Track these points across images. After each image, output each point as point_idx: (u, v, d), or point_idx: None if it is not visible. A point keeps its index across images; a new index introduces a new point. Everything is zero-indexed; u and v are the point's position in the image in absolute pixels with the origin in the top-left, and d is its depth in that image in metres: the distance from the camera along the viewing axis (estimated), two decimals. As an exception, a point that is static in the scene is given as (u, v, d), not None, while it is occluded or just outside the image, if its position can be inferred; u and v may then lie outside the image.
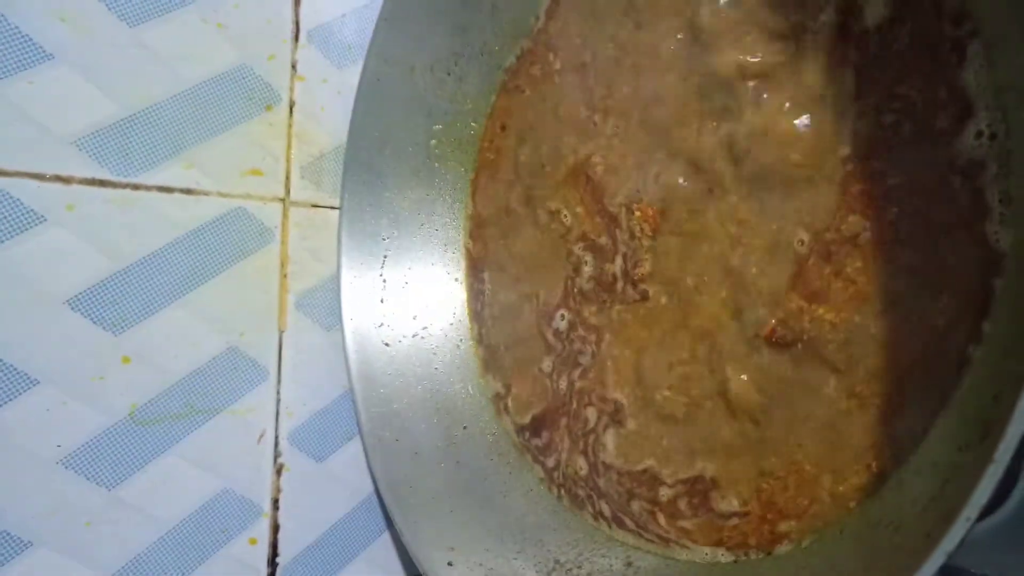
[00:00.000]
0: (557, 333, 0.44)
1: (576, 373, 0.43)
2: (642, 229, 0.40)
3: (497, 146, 0.48)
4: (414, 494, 0.43)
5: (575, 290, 0.44)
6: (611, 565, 0.38)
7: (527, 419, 0.46)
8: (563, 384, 0.44)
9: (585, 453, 0.42)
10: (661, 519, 0.38)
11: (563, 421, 0.44)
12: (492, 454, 0.46)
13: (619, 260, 0.42)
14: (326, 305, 0.47)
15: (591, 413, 0.42)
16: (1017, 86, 0.28)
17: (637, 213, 0.41)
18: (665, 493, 0.38)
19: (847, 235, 0.33)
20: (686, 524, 0.37)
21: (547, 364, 0.45)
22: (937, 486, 0.26)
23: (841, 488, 0.32)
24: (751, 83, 0.36)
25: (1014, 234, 0.28)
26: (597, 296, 0.42)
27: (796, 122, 0.35)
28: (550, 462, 0.44)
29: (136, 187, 0.39)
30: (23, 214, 0.36)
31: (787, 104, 0.35)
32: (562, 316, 0.44)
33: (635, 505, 0.40)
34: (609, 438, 0.41)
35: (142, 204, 0.40)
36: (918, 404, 0.30)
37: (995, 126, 0.29)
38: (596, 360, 0.42)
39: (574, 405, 0.43)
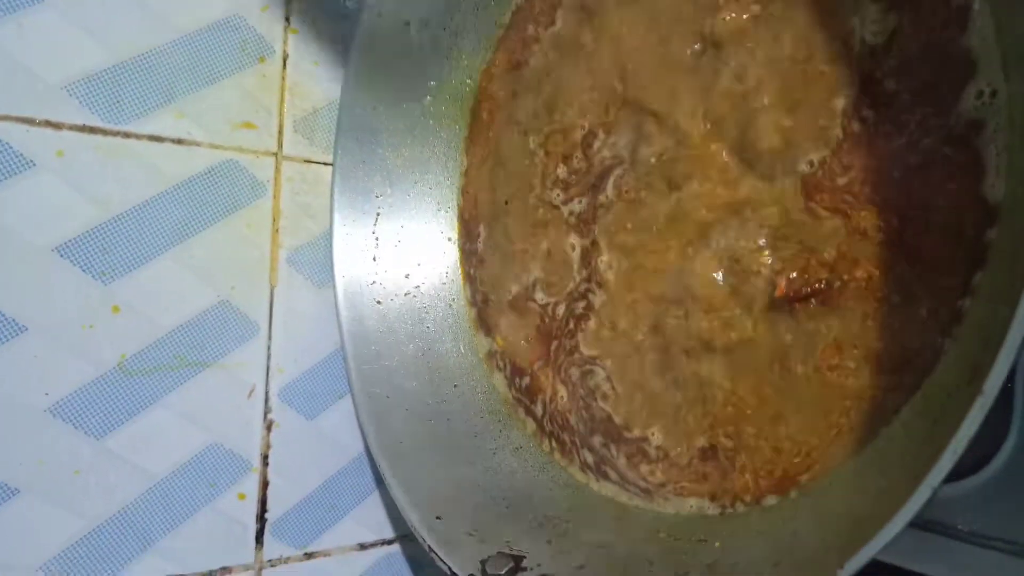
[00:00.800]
0: (553, 278, 0.44)
1: (580, 305, 0.43)
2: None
3: (494, 101, 0.48)
4: (404, 450, 0.42)
5: (573, 230, 0.44)
6: (599, 519, 0.38)
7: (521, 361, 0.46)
8: (560, 311, 0.44)
9: (566, 380, 0.43)
10: (622, 460, 0.39)
11: (553, 344, 0.44)
12: (483, 412, 0.46)
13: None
14: (318, 262, 0.46)
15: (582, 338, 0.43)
16: (1018, 37, 0.28)
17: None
18: (650, 445, 0.39)
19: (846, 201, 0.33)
20: (657, 471, 0.38)
21: (541, 297, 0.45)
22: (927, 429, 0.26)
23: (833, 440, 0.32)
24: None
25: (1008, 185, 0.28)
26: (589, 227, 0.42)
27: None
28: (538, 409, 0.44)
29: (127, 135, 0.39)
30: (12, 158, 0.36)
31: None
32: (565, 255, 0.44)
33: (596, 440, 0.40)
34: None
35: (133, 153, 0.39)
36: (912, 359, 0.30)
37: (996, 83, 0.29)
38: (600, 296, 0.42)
39: (570, 325, 0.43)
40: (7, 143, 0.36)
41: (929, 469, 0.21)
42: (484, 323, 0.48)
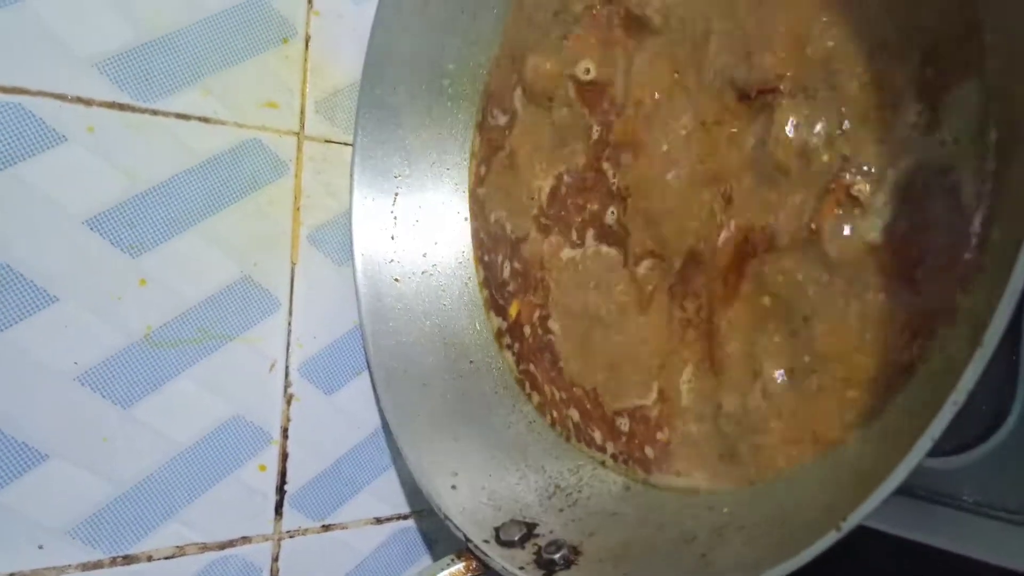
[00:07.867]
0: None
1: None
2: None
3: (501, 79, 0.49)
4: (419, 422, 0.43)
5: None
6: (610, 489, 0.39)
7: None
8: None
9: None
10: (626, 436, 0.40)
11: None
12: (497, 387, 0.47)
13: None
14: (338, 240, 0.47)
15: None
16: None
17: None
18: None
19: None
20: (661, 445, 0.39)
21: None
22: (928, 393, 0.26)
23: (838, 416, 0.33)
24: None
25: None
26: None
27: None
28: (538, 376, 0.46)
29: (155, 112, 0.40)
30: (45, 133, 0.37)
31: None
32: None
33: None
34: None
35: (161, 130, 0.40)
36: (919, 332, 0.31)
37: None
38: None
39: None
40: (40, 118, 0.37)
41: (929, 422, 0.22)
42: (495, 303, 0.49)
